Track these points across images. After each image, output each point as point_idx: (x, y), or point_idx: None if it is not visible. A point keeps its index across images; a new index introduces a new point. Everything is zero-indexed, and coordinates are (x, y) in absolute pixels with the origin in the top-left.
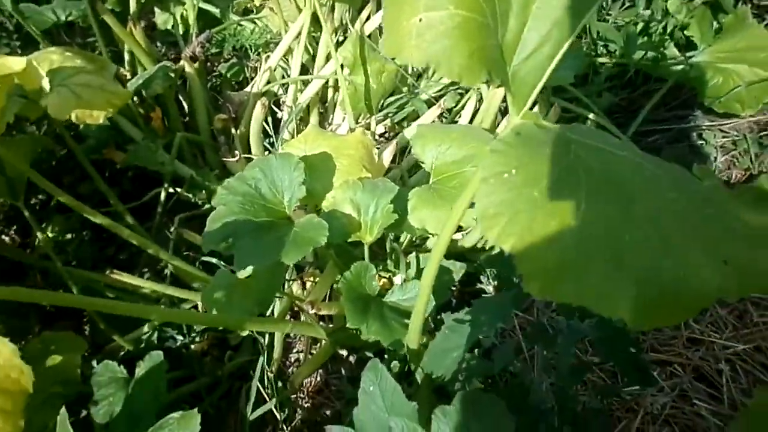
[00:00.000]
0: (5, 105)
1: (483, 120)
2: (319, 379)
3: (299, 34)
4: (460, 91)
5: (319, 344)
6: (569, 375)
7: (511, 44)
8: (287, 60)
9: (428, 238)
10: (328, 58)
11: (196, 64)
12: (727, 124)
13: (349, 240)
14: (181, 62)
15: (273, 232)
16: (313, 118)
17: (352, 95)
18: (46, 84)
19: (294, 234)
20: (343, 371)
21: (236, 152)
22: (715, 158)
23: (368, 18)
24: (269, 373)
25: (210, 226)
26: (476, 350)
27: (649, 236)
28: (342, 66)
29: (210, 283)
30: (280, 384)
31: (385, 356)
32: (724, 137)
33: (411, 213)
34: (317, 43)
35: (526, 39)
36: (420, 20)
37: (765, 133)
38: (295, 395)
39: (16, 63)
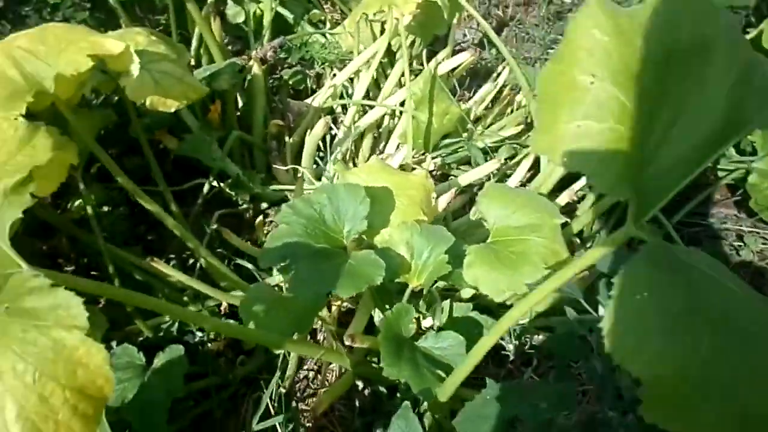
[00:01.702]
0: (87, 79)
1: (542, 184)
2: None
3: (371, 59)
4: (514, 145)
5: (329, 367)
6: None
7: (648, 159)
8: (351, 80)
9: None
10: (393, 88)
11: (264, 67)
12: None
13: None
14: (251, 62)
15: (329, 260)
16: (366, 143)
17: (415, 130)
18: (135, 69)
19: (350, 267)
20: (350, 399)
21: (285, 161)
22: (751, 262)
23: (442, 59)
24: (282, 389)
25: (270, 242)
26: None
27: (763, 375)
28: None
29: (248, 294)
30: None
31: (397, 394)
32: (763, 244)
33: (466, 269)
34: (382, 70)
35: (661, 157)
36: (578, 126)
37: None
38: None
39: (114, 46)
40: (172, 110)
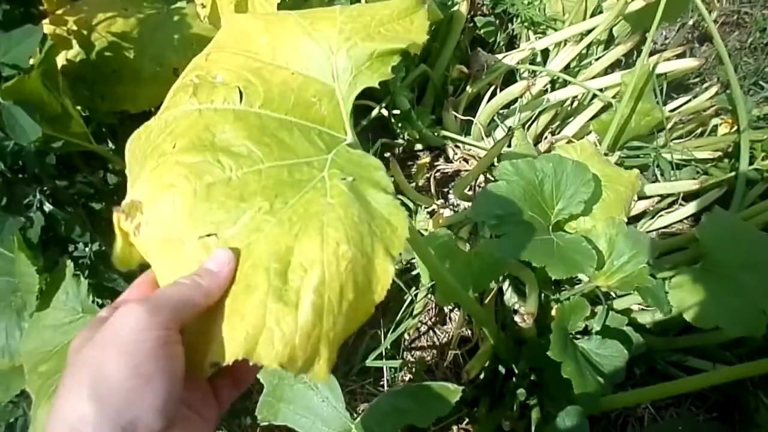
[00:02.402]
0: None
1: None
2: (434, 358)
3: (583, 34)
4: (698, 169)
5: (443, 328)
6: None
7: None
8: (547, 48)
9: (618, 295)
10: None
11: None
12: None
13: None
14: None
15: (537, 232)
16: (544, 118)
17: (610, 123)
18: None
19: (558, 248)
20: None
21: (458, 109)
22: None
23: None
24: (407, 335)
25: (487, 194)
26: None
27: None
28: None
29: (431, 235)
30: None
31: (513, 378)
32: None
33: (672, 289)
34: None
35: None
36: None
37: None
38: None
39: None
40: None
